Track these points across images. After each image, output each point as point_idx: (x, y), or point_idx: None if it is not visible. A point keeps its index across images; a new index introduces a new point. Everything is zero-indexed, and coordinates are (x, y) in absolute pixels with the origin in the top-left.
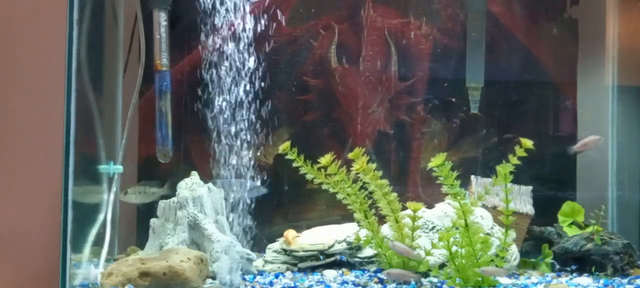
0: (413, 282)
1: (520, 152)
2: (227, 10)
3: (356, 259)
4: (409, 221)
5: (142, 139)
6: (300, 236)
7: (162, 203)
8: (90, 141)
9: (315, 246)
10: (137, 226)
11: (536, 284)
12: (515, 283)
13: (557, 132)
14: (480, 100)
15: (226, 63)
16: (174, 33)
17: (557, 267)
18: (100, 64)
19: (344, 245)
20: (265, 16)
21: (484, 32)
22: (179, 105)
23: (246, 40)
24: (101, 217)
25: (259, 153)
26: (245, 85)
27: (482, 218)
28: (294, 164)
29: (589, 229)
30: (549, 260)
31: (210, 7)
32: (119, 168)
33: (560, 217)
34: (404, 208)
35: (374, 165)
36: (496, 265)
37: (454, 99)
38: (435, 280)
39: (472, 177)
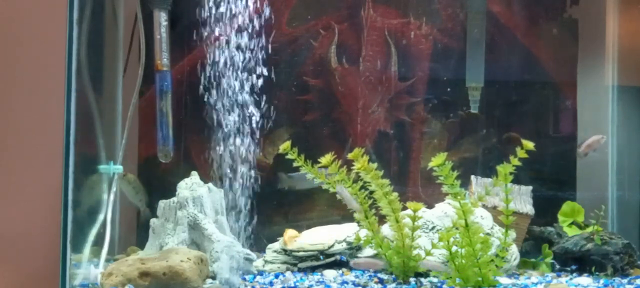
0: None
1: (521, 153)
2: (226, 11)
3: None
4: (409, 221)
5: (142, 139)
6: (300, 236)
7: (162, 203)
8: (90, 141)
9: (315, 246)
10: (137, 226)
11: (536, 284)
12: (515, 283)
13: (557, 132)
14: (480, 100)
15: (226, 63)
16: (174, 33)
17: (557, 267)
18: (100, 64)
19: (344, 245)
20: (265, 16)
21: (484, 32)
22: (179, 105)
23: (246, 40)
24: (101, 217)
25: (260, 154)
26: (244, 85)
27: (482, 218)
28: (295, 164)
29: (589, 229)
30: (549, 260)
31: (210, 7)
32: (119, 168)
33: (560, 217)
34: (404, 208)
35: (374, 165)
36: (496, 265)
37: (451, 100)
38: (435, 280)
39: (472, 177)
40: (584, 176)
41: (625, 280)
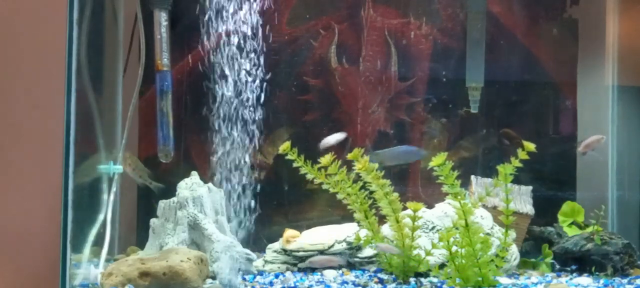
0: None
1: (522, 154)
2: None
3: (356, 259)
4: (409, 221)
5: (142, 139)
6: (300, 236)
7: (162, 203)
8: (90, 141)
9: (315, 246)
10: (137, 226)
11: (536, 284)
12: (515, 283)
13: (557, 132)
14: (480, 100)
15: (226, 63)
16: (174, 33)
17: (557, 267)
18: (100, 64)
19: (344, 245)
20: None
21: (484, 32)
22: (179, 105)
23: (246, 41)
24: (101, 217)
25: (259, 154)
26: (245, 85)
27: (482, 218)
28: (294, 164)
29: (589, 229)
30: (549, 260)
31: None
32: (119, 168)
33: (560, 217)
34: (404, 208)
35: (375, 165)
36: (496, 265)
37: (451, 100)
38: (435, 280)
39: (472, 177)
40: (584, 176)
41: (625, 280)
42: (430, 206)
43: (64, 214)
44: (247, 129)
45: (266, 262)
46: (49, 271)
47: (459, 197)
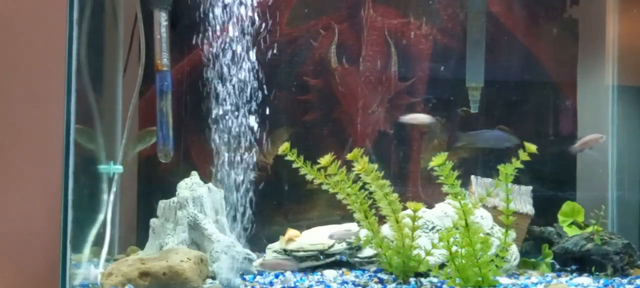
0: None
1: (523, 155)
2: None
3: (356, 259)
4: (409, 221)
5: None
6: (301, 236)
7: (162, 203)
8: (90, 141)
9: (315, 246)
10: (137, 226)
11: (536, 284)
12: (515, 283)
13: (557, 132)
14: (480, 100)
15: (226, 63)
16: (174, 33)
17: (557, 267)
18: (100, 64)
19: (344, 245)
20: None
21: (484, 32)
22: (179, 105)
23: (247, 41)
24: (101, 217)
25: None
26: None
27: (482, 218)
28: (294, 165)
29: (589, 229)
30: (549, 260)
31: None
32: (118, 168)
33: (560, 217)
34: (404, 208)
35: (375, 166)
36: (496, 265)
37: (451, 100)
38: (435, 280)
39: (472, 177)
40: (584, 176)
41: (625, 280)
42: (430, 206)
43: (64, 214)
44: (247, 129)
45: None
46: (49, 271)
47: (459, 197)
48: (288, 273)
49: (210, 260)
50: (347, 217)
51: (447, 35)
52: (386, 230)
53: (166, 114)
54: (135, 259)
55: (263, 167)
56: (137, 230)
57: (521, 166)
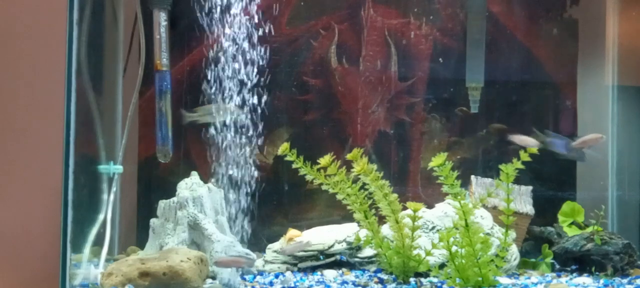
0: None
1: (524, 156)
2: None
3: (356, 259)
4: (409, 221)
5: (142, 139)
6: (301, 236)
7: (162, 203)
8: (90, 141)
9: (315, 246)
10: (137, 226)
11: (536, 284)
12: (515, 283)
13: (557, 132)
14: (480, 100)
15: (226, 63)
16: (174, 33)
17: (557, 267)
18: (100, 64)
19: (344, 245)
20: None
21: (484, 32)
22: (179, 105)
23: (247, 42)
24: (101, 217)
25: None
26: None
27: (482, 218)
28: (294, 166)
29: (589, 229)
30: (549, 260)
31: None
32: (118, 168)
33: (560, 217)
34: (404, 208)
35: (374, 166)
36: (496, 265)
37: (451, 100)
38: (435, 280)
39: (472, 177)
40: (584, 176)
41: (625, 280)
42: (430, 206)
43: (64, 214)
44: (247, 129)
45: (266, 262)
46: (49, 271)
47: (459, 197)
48: (288, 273)
49: (210, 260)
50: (347, 217)
51: (447, 35)
52: (386, 230)
53: (165, 114)
54: (135, 259)
55: (263, 167)
56: (137, 230)
57: (522, 166)
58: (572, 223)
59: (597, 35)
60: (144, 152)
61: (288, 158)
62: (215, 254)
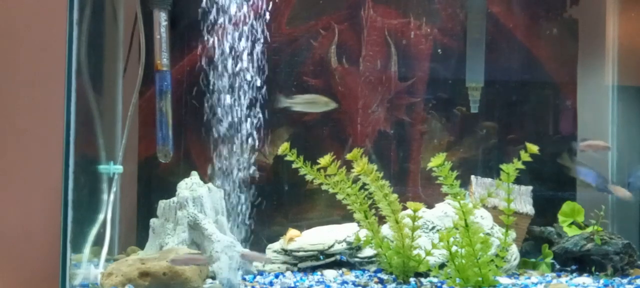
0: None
1: (525, 156)
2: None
3: (356, 259)
4: (409, 221)
5: (142, 139)
6: (301, 236)
7: (162, 203)
8: (90, 141)
9: (315, 246)
10: (137, 226)
11: (536, 284)
12: (515, 283)
13: (557, 132)
14: (480, 100)
15: (225, 63)
16: (174, 33)
17: (557, 267)
18: (100, 64)
19: (344, 245)
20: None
21: (484, 32)
22: (179, 105)
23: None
24: (101, 217)
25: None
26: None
27: (482, 218)
28: (294, 166)
29: (589, 229)
30: (549, 260)
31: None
32: (119, 168)
33: (560, 217)
34: (404, 208)
35: (374, 167)
36: (496, 265)
37: (451, 100)
38: (435, 280)
39: (472, 177)
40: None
41: (625, 280)
42: (430, 206)
43: (64, 214)
44: (247, 130)
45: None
46: (49, 271)
47: (459, 197)
48: (288, 273)
49: (210, 260)
50: (347, 217)
51: (447, 35)
52: (386, 230)
53: (165, 114)
54: (135, 259)
55: (263, 167)
56: (137, 230)
57: (522, 166)
58: (572, 223)
59: (597, 35)
60: (144, 152)
61: (288, 158)
62: (215, 254)
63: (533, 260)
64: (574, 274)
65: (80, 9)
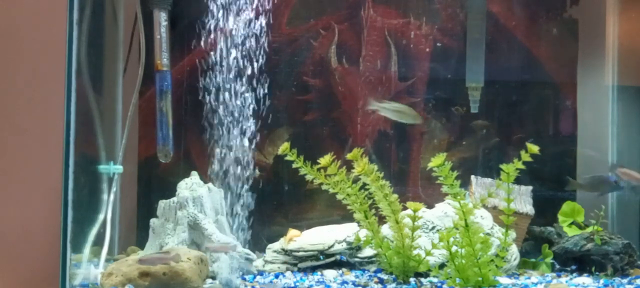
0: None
1: (525, 156)
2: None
3: (356, 259)
4: (409, 221)
5: (142, 139)
6: (301, 236)
7: (162, 203)
8: (90, 141)
9: (315, 246)
10: (137, 226)
11: (536, 284)
12: (515, 283)
13: (557, 132)
14: (480, 100)
15: (226, 64)
16: (174, 33)
17: (557, 267)
18: (100, 64)
19: (344, 245)
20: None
21: (484, 32)
22: (179, 105)
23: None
24: (101, 217)
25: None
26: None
27: (482, 218)
28: (294, 165)
29: (589, 229)
30: (549, 260)
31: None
32: (119, 168)
33: (560, 217)
34: (404, 208)
35: (375, 167)
36: (496, 265)
37: (451, 100)
38: (435, 280)
39: (472, 177)
40: (584, 176)
41: (625, 280)
42: (430, 206)
43: (64, 214)
44: (247, 130)
45: (266, 262)
46: (49, 271)
47: (459, 197)
48: (288, 273)
49: (210, 260)
50: (347, 217)
51: (447, 35)
52: (386, 230)
53: (166, 114)
54: (135, 259)
55: (263, 167)
56: (137, 230)
57: (523, 166)
58: (572, 223)
59: (597, 35)
60: (144, 152)
61: (288, 158)
62: (215, 254)
63: (533, 260)
64: (574, 274)
65: (80, 9)
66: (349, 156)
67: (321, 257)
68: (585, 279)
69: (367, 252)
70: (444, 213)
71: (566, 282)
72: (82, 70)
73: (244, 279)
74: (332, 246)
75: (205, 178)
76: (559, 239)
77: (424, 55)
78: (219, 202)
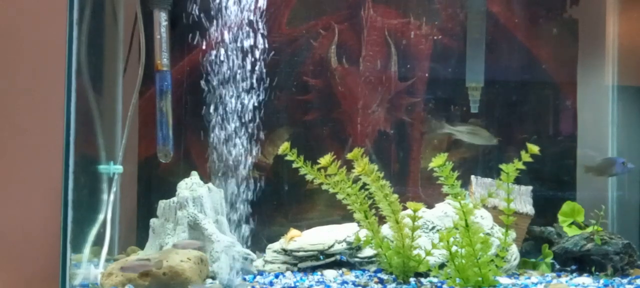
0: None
1: (525, 157)
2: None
3: (356, 259)
4: (409, 221)
5: (142, 139)
6: (302, 235)
7: (162, 203)
8: (90, 141)
9: (315, 246)
10: (137, 226)
11: (536, 284)
12: (515, 283)
13: (557, 132)
14: (480, 100)
15: (225, 63)
16: (174, 33)
17: (557, 267)
18: (100, 64)
19: (344, 245)
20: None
21: (484, 32)
22: (179, 105)
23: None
24: (101, 217)
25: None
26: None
27: (482, 218)
28: (294, 165)
29: (589, 229)
30: (549, 260)
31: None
32: (119, 168)
33: (560, 217)
34: (404, 208)
35: (375, 167)
36: (496, 265)
37: (451, 100)
38: (435, 280)
39: (473, 177)
40: (584, 176)
41: (625, 280)
42: (430, 206)
43: (64, 214)
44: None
45: (266, 262)
46: (49, 271)
47: (459, 198)
48: (288, 273)
49: (210, 260)
50: (347, 217)
51: (447, 35)
52: (386, 230)
53: (166, 114)
54: (133, 260)
55: (263, 167)
56: (137, 230)
57: (523, 167)
58: (572, 223)
59: (597, 35)
60: (144, 152)
61: (288, 158)
62: (215, 254)
63: (533, 260)
64: (574, 274)
65: (80, 9)
66: (349, 156)
67: (321, 257)
68: (585, 279)
69: (367, 252)
70: (444, 213)
71: (566, 282)
72: (82, 70)
73: (244, 279)
74: (332, 246)
75: (205, 178)
76: (559, 239)
77: (424, 55)
78: (219, 202)
